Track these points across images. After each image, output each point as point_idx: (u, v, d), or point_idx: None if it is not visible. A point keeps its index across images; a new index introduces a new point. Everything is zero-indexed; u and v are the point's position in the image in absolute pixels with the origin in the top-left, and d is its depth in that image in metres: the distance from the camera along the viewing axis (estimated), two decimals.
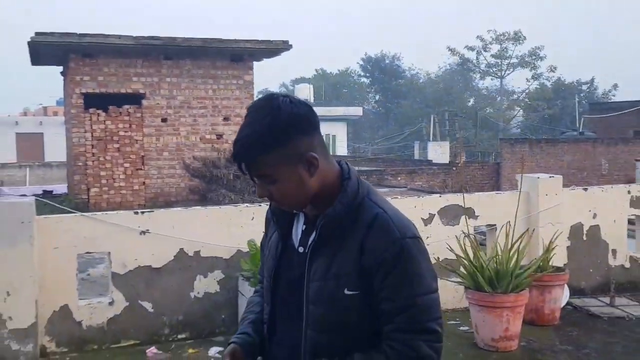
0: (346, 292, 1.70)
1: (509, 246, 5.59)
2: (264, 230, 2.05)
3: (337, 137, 44.28)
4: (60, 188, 19.59)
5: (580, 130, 31.32)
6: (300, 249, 1.80)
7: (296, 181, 1.70)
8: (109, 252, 5.77)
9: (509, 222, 6.05)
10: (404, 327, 1.68)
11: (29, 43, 13.97)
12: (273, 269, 1.86)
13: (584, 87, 58.72)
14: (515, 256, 5.54)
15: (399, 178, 22.74)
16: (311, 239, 1.78)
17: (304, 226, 1.82)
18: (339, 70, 71.09)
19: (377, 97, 68.18)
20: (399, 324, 1.69)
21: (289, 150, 1.68)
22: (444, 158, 31.67)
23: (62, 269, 5.59)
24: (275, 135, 1.66)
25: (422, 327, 1.70)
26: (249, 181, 8.85)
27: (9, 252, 5.32)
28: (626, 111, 30.43)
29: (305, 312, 1.76)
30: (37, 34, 13.61)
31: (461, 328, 6.06)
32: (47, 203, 9.26)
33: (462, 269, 5.69)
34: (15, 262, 5.33)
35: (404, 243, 1.70)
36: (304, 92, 47.19)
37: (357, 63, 69.21)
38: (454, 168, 24.99)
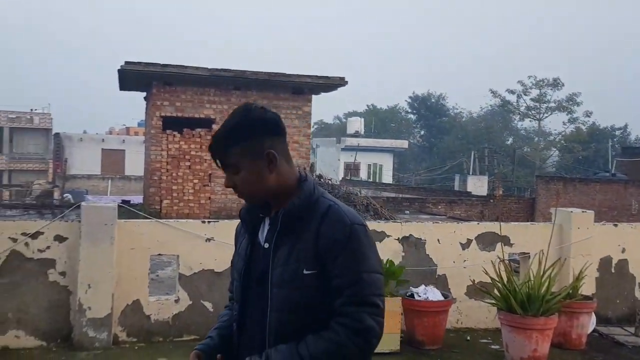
0: (305, 272, 1.75)
1: (541, 273, 5.48)
2: (234, 247, 2.07)
3: (383, 167, 44.16)
4: (137, 199, 20.12)
5: (613, 172, 30.37)
6: (266, 245, 1.85)
7: (256, 173, 1.81)
8: (178, 255, 5.90)
9: (542, 251, 5.94)
10: (351, 300, 1.73)
11: (118, 71, 14.44)
12: (243, 268, 1.91)
13: (618, 132, 57.22)
14: (547, 283, 5.42)
15: (439, 207, 22.50)
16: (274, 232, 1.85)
17: (269, 226, 1.87)
18: (388, 107, 71.17)
19: (422, 132, 67.82)
20: (347, 297, 1.73)
21: (253, 145, 1.79)
22: (482, 191, 31.20)
23: (137, 268, 5.74)
24: (242, 131, 1.79)
25: (366, 300, 1.74)
26: None
27: (92, 250, 5.51)
28: None
29: (269, 296, 1.80)
30: (126, 63, 14.07)
31: (492, 346, 5.95)
32: (126, 210, 9.51)
33: (495, 291, 5.61)
34: (97, 259, 5.51)
35: (353, 228, 1.78)
36: (356, 125, 47.34)
37: (405, 100, 69.24)
38: (492, 200, 24.60)
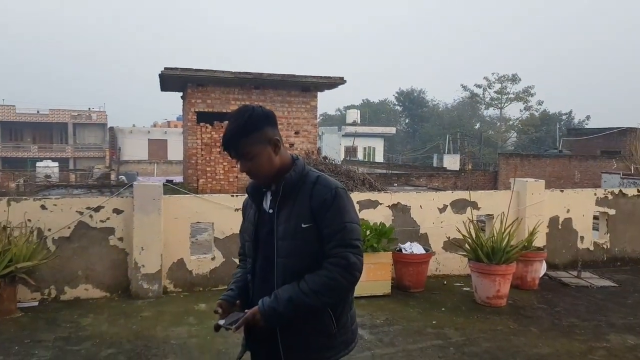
0: (303, 225, 1.80)
1: (503, 230, 5.49)
2: (242, 217, 2.07)
3: (375, 149, 43.97)
4: (178, 178, 20.16)
5: (560, 149, 30.12)
6: (270, 211, 1.88)
7: (267, 157, 1.82)
8: (213, 223, 5.93)
9: (503, 212, 5.95)
10: (339, 243, 1.78)
11: (159, 75, 14.37)
12: (253, 230, 1.93)
13: (564, 117, 56.64)
14: (507, 238, 5.43)
15: (421, 180, 22.43)
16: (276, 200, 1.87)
17: (271, 197, 1.89)
18: (379, 100, 70.63)
19: (406, 121, 67.32)
20: (335, 241, 1.78)
21: (262, 135, 1.81)
22: (455, 167, 31.07)
23: (180, 233, 5.78)
24: (252, 124, 1.80)
25: (350, 243, 1.80)
26: None
27: (144, 219, 5.54)
28: (595, 135, 29.23)
29: (275, 246, 1.83)
30: (165, 68, 14.00)
31: (464, 289, 5.98)
32: (170, 187, 9.56)
33: (466, 245, 5.63)
34: (148, 227, 5.55)
35: (337, 190, 1.82)
36: (353, 115, 47.07)
37: (393, 95, 68.66)
38: (463, 174, 24.50)
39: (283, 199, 1.85)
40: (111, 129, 43.50)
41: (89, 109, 48.48)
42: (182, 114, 20.06)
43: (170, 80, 14.83)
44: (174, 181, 16.98)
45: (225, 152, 1.84)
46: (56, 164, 34.68)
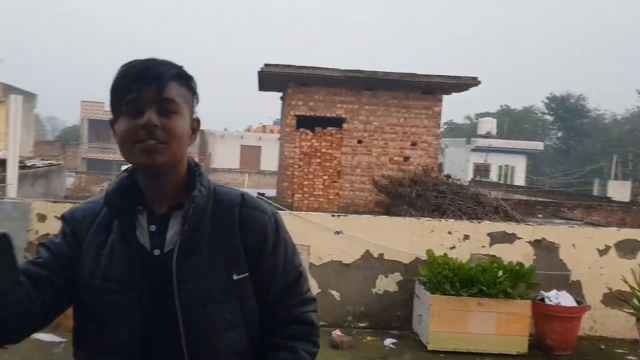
0: (235, 277, 1.36)
1: None
2: (57, 233, 1.45)
3: (515, 169, 42.36)
4: (270, 192, 20.98)
5: None
6: (157, 252, 1.34)
7: (186, 129, 1.36)
8: (309, 246, 6.11)
9: None
10: (296, 301, 1.45)
11: (258, 72, 15.11)
12: (129, 279, 1.33)
13: None
14: None
15: (575, 212, 21.13)
16: (170, 235, 1.35)
17: (153, 227, 1.36)
18: (522, 107, 68.02)
19: (559, 134, 64.01)
20: (292, 297, 1.44)
21: (191, 97, 1.40)
22: (624, 197, 28.84)
23: None
24: (189, 76, 1.39)
25: (308, 297, 1.49)
26: (429, 200, 8.84)
27: None
28: None
29: (182, 319, 1.30)
30: (265, 65, 14.69)
31: (629, 357, 5.57)
32: (264, 201, 9.97)
33: (635, 300, 5.23)
34: None
35: (276, 217, 1.47)
36: (487, 125, 45.81)
37: (542, 101, 65.71)
38: (635, 207, 22.68)
39: (191, 234, 1.35)
40: (202, 132, 46.45)
41: None
42: (279, 117, 20.91)
43: (270, 78, 15.53)
44: (266, 195, 17.70)
45: (129, 88, 1.30)
46: None
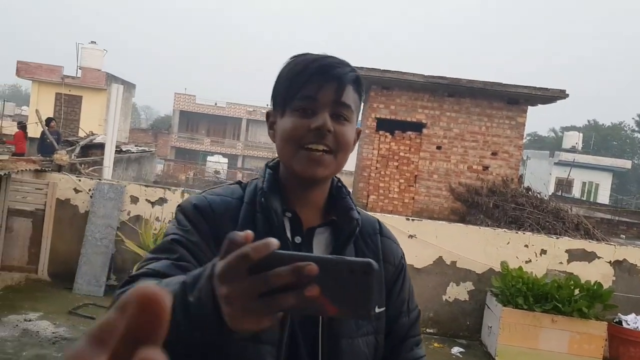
0: (376, 310, 1.19)
1: None
2: (188, 227, 1.12)
3: (600, 186, 40.44)
4: None
5: None
6: None
7: (352, 139, 1.21)
8: None
9: None
10: (414, 341, 1.30)
11: None
12: None
13: None
14: None
15: None
16: (315, 252, 1.19)
17: (299, 238, 1.18)
18: (611, 123, 64.71)
19: None
20: (410, 337, 1.30)
21: (359, 106, 1.24)
22: None
23: None
24: (362, 82, 1.25)
25: (421, 339, 1.35)
26: (507, 211, 8.64)
27: None
28: None
29: (324, 351, 1.13)
30: None
31: None
32: None
33: None
34: None
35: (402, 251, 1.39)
36: (573, 139, 43.99)
37: (633, 118, 62.29)
38: None
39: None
40: None
41: (267, 105, 53.68)
42: (360, 119, 20.97)
43: None
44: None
45: (309, 83, 1.14)
46: (226, 160, 39.08)
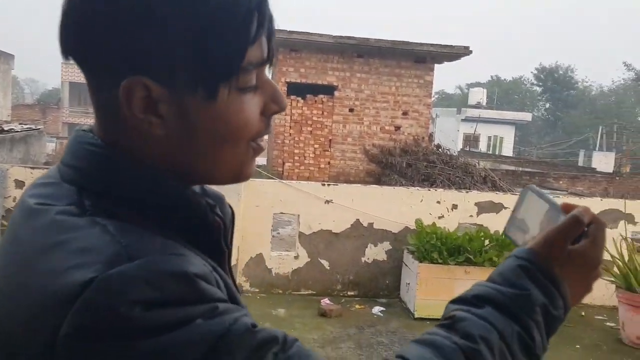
0: None
1: None
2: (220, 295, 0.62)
3: (504, 139, 42.45)
4: (261, 160, 20.90)
5: None
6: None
7: None
8: (298, 215, 6.13)
9: None
10: None
11: None
12: None
13: None
14: None
15: (561, 182, 21.32)
16: None
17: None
18: (512, 78, 67.80)
19: (547, 105, 64.02)
20: None
21: None
22: (608, 168, 29.08)
23: (260, 224, 6.04)
24: None
25: None
26: (419, 169, 8.87)
27: None
28: None
29: None
30: None
31: (608, 323, 5.70)
32: None
33: (615, 269, 5.32)
34: None
35: None
36: (478, 95, 45.73)
37: (531, 72, 65.54)
38: (617, 178, 22.91)
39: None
40: None
41: None
42: None
43: None
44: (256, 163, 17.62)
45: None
46: None
